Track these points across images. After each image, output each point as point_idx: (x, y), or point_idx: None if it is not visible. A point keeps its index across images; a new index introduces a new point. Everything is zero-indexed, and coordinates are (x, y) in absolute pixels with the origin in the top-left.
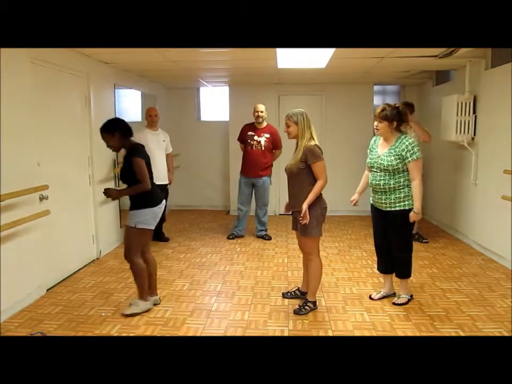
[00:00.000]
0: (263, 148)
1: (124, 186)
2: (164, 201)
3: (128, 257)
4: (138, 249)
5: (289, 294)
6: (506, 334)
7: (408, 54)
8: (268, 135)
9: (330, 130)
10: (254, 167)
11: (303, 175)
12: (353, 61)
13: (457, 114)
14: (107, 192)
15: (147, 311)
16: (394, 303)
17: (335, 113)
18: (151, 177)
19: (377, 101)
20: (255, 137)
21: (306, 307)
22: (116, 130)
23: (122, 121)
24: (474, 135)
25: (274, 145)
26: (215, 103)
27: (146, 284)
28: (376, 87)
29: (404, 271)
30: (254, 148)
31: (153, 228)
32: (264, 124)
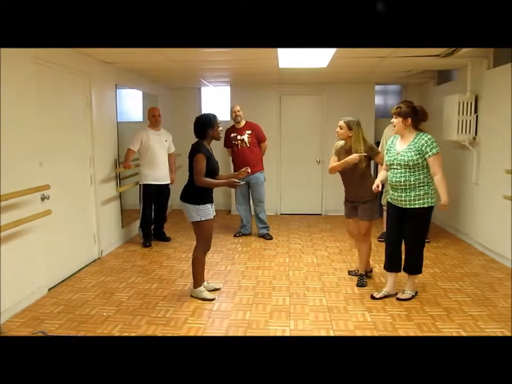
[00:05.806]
0: (248, 145)
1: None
2: None
3: None
4: None
5: (354, 272)
6: (508, 334)
7: (409, 54)
8: (249, 131)
9: (332, 130)
10: (244, 164)
11: (366, 168)
12: (354, 60)
13: (458, 114)
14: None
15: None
16: (398, 298)
17: (336, 113)
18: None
19: (379, 100)
20: (238, 137)
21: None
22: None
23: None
24: (476, 134)
25: (259, 139)
26: (216, 103)
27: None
28: (377, 87)
29: (416, 267)
30: (239, 147)
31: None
32: (243, 122)
